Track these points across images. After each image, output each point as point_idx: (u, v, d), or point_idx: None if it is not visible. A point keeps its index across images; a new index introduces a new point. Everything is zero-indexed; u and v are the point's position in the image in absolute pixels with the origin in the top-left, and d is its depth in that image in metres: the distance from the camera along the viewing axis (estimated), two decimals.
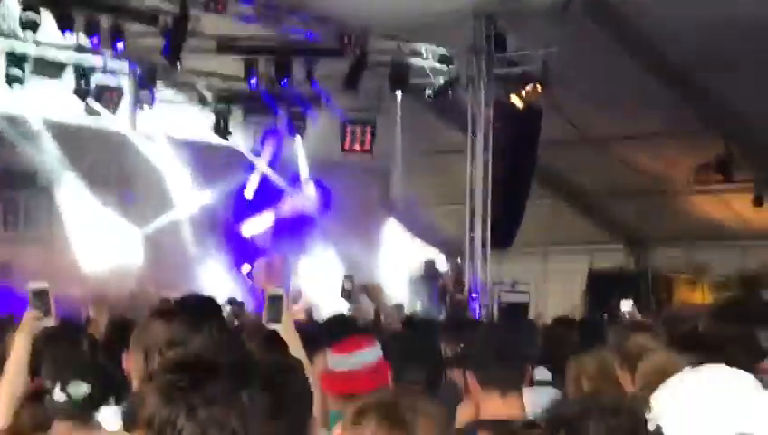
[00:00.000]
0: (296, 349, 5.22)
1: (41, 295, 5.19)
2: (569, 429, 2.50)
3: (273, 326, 5.40)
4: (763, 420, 2.60)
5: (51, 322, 5.21)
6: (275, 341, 5.31)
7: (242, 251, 21.32)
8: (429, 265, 21.76)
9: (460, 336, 6.28)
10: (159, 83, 20.25)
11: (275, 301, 5.34)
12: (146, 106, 19.92)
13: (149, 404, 2.41)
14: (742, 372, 2.80)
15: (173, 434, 2.38)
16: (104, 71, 19.43)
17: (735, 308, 6.81)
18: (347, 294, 8.83)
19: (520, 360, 4.36)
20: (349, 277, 8.93)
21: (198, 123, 21.35)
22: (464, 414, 4.46)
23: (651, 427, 2.50)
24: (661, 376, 3.22)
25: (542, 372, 6.11)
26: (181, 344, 2.48)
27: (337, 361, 5.11)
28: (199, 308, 5.75)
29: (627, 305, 9.80)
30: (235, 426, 2.41)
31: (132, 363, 4.35)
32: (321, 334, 6.91)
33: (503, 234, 20.00)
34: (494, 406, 4.19)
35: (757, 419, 2.61)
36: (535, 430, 2.56)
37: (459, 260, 21.01)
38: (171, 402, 2.40)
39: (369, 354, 5.08)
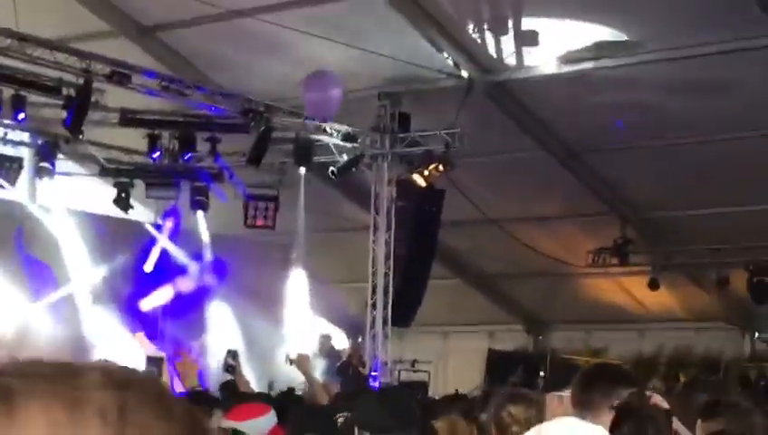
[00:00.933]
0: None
1: None
2: None
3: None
4: None
5: None
6: None
7: (138, 321, 21.02)
8: (326, 341, 21.64)
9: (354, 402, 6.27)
10: (61, 155, 20.03)
11: (152, 365, 5.24)
12: (46, 178, 19.64)
13: None
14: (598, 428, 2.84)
15: None
16: (4, 141, 19.17)
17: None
18: (231, 369, 8.80)
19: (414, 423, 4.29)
20: (232, 351, 8.90)
21: (99, 195, 21.10)
22: None
23: None
24: None
25: None
26: None
27: (230, 426, 5.08)
28: None
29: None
30: None
31: None
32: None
33: (404, 312, 20.06)
34: None
35: None
36: None
37: (360, 338, 20.99)
38: None
39: (264, 422, 5.07)
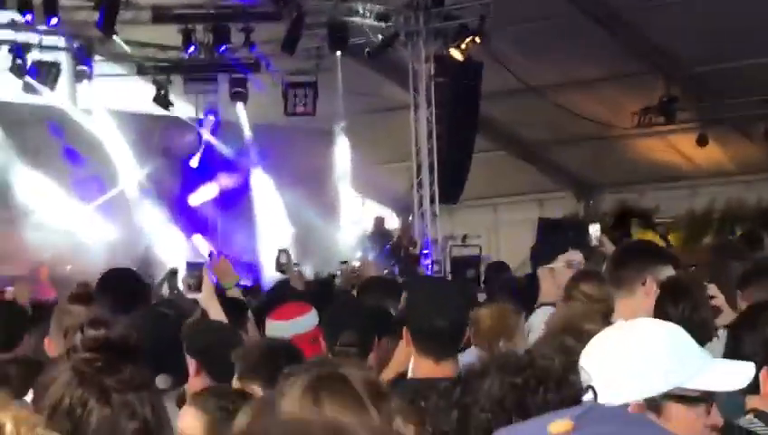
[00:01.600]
0: (216, 315, 5.16)
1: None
2: (465, 386, 2.45)
3: (192, 296, 5.33)
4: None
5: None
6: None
7: (191, 221, 21.20)
8: (379, 222, 21.75)
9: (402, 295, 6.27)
10: (97, 57, 20.05)
11: (195, 269, 5.23)
12: (85, 80, 19.70)
13: (60, 383, 2.30)
14: (669, 323, 2.79)
15: (82, 416, 2.27)
16: (40, 47, 19.18)
17: None
18: (281, 267, 8.83)
19: (455, 322, 4.21)
20: (284, 250, 8.92)
21: (139, 94, 21.17)
22: (386, 373, 4.37)
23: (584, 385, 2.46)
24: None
25: None
26: (102, 325, 2.35)
27: (276, 327, 5.11)
28: (125, 286, 5.70)
29: (595, 230, 8.84)
30: (146, 414, 2.32)
31: (53, 347, 4.30)
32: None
33: (451, 188, 20.05)
34: (427, 367, 4.09)
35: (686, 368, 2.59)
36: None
37: (410, 217, 21.06)
38: (84, 383, 2.30)
39: (306, 321, 5.09)
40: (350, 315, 4.84)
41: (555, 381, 2.47)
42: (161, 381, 3.93)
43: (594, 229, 8.54)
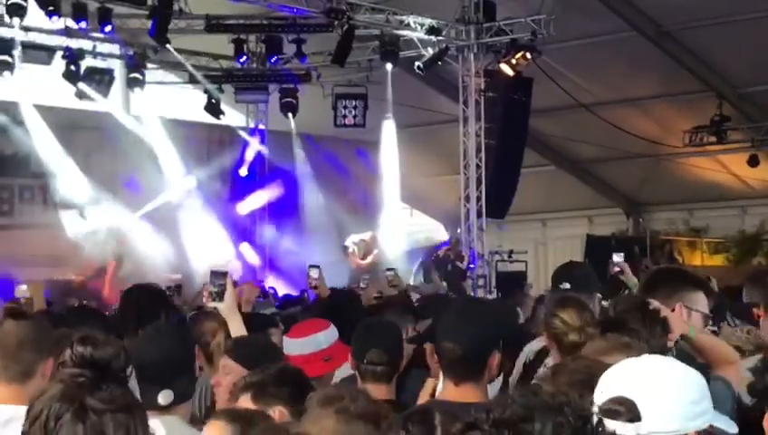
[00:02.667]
0: (237, 330, 5.12)
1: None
2: (515, 431, 2.39)
3: (213, 306, 5.24)
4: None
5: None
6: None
7: (238, 229, 21.32)
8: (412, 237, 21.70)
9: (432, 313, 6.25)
10: (150, 65, 20.23)
11: (218, 280, 5.12)
12: (137, 88, 19.86)
13: (46, 396, 2.32)
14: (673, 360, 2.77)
15: (53, 430, 2.28)
16: (94, 54, 19.38)
17: None
18: (313, 283, 8.80)
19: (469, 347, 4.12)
20: (315, 266, 8.90)
21: (190, 103, 21.34)
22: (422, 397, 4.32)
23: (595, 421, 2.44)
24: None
25: None
26: (90, 344, 2.34)
27: (291, 345, 5.11)
28: (145, 302, 5.74)
29: (618, 257, 8.82)
30: None
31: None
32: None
33: (498, 203, 20.01)
34: (450, 390, 4.04)
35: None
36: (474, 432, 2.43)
37: (458, 230, 21.03)
38: (64, 398, 2.31)
39: (324, 338, 5.07)
40: (378, 333, 4.81)
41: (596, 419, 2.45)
42: (163, 397, 3.94)
43: (618, 257, 8.55)
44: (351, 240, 19.31)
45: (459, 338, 4.04)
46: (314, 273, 8.71)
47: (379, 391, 4.32)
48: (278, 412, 3.51)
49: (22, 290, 12.69)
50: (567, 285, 5.89)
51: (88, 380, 2.32)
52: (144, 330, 4.77)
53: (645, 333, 3.94)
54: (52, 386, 2.34)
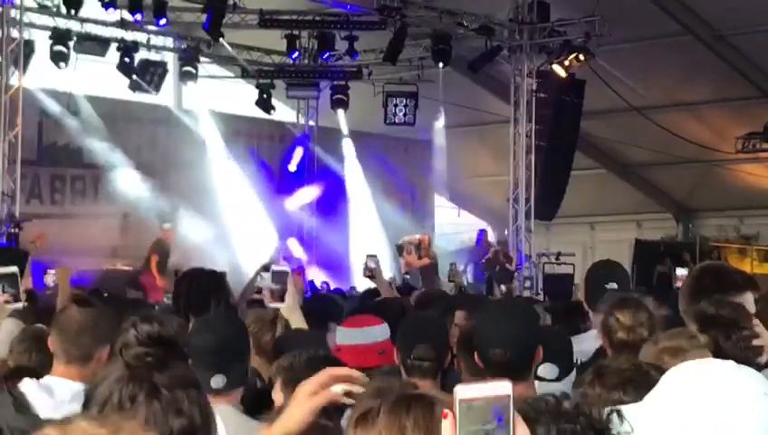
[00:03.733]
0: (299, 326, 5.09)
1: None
2: None
3: (275, 306, 5.24)
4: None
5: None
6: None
7: (286, 224, 21.37)
8: (483, 235, 21.54)
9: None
10: (203, 59, 20.33)
11: (280, 278, 5.11)
12: (189, 81, 19.95)
13: (111, 380, 2.31)
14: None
15: (129, 411, 2.26)
16: (148, 47, 19.53)
17: None
18: (370, 273, 8.67)
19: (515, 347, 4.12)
20: (372, 256, 8.80)
21: (242, 98, 21.45)
22: None
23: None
24: None
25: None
26: (156, 321, 2.32)
27: (347, 334, 5.11)
28: (203, 283, 5.75)
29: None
30: (193, 412, 2.32)
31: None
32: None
33: (547, 205, 19.94)
34: None
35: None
36: None
37: (506, 232, 20.97)
38: (134, 379, 2.30)
39: (380, 332, 5.07)
40: (425, 329, 4.81)
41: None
42: (216, 381, 3.97)
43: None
44: (407, 240, 19.27)
45: (507, 342, 4.07)
46: (372, 262, 8.59)
47: (424, 387, 4.32)
48: None
49: (50, 275, 12.97)
50: (614, 285, 5.84)
51: (156, 358, 2.31)
52: (198, 316, 4.79)
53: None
54: (114, 368, 2.33)
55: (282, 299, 5.02)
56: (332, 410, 2.45)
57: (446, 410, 1.81)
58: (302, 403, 2.41)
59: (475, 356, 4.19)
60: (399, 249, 18.79)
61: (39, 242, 15.97)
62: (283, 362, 3.64)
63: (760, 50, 19.76)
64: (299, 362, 3.59)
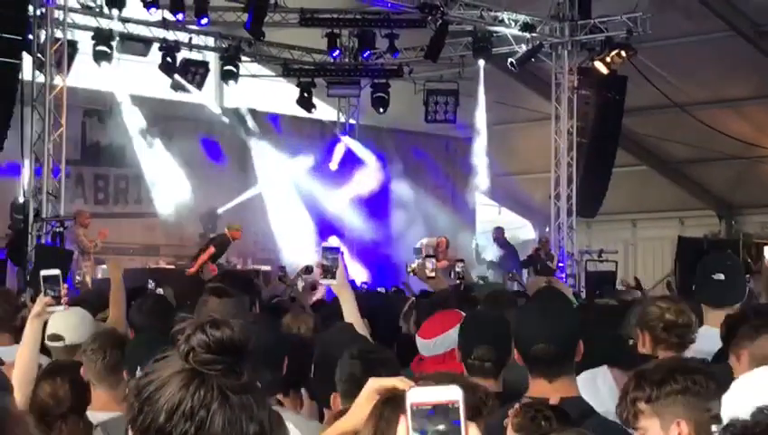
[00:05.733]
0: (349, 309, 4.95)
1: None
2: None
3: (326, 283, 5.10)
4: None
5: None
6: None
7: (327, 223, 21.38)
8: (499, 233, 21.47)
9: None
10: (244, 57, 20.40)
11: (331, 254, 4.99)
12: (231, 81, 20.02)
13: (175, 385, 2.24)
14: None
15: (205, 419, 2.23)
16: (190, 46, 19.62)
17: None
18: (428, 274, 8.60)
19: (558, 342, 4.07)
20: (431, 257, 8.77)
21: (283, 96, 21.52)
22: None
23: None
24: None
25: None
26: (225, 326, 2.30)
27: (424, 346, 5.00)
28: (237, 286, 5.76)
29: None
30: (262, 416, 2.28)
31: None
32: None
33: (589, 202, 19.87)
34: (542, 386, 4.03)
35: None
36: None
37: (547, 229, 20.92)
38: (204, 384, 2.25)
39: (455, 333, 4.87)
40: (486, 328, 4.71)
41: None
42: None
43: None
44: (425, 243, 19.28)
45: (550, 337, 4.02)
46: (430, 263, 8.58)
47: (487, 386, 4.27)
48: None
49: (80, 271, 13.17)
50: (721, 276, 5.52)
51: (227, 365, 2.29)
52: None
53: None
54: (174, 374, 2.30)
55: (332, 276, 4.92)
56: None
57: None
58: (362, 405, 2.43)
59: (515, 354, 4.16)
60: (417, 252, 18.80)
61: (99, 240, 16.23)
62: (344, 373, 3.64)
63: None
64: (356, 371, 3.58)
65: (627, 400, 3.19)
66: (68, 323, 5.39)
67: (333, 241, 20.71)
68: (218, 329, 2.28)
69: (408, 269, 12.45)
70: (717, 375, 3.24)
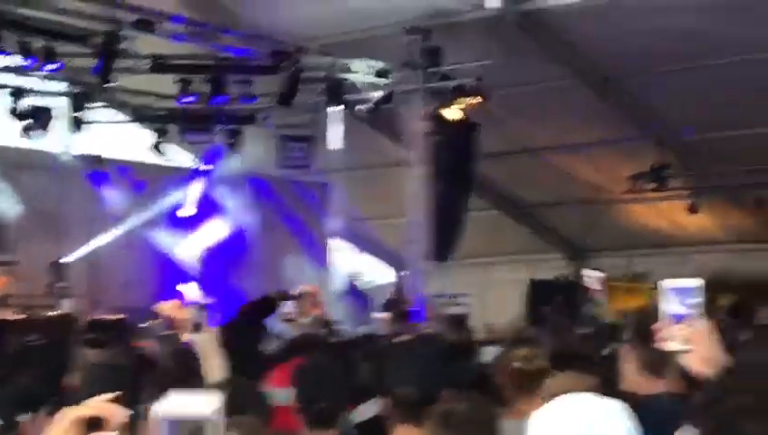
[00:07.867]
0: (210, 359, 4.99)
1: None
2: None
3: (192, 335, 5.09)
4: None
5: None
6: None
7: (178, 272, 21.16)
8: (352, 280, 21.65)
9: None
10: (96, 104, 20.14)
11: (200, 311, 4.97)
12: (82, 127, 19.74)
13: None
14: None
15: None
16: (38, 92, 19.29)
17: None
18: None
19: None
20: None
21: (136, 143, 21.31)
22: None
23: None
24: None
25: None
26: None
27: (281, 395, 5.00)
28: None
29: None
30: None
31: None
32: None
33: (443, 246, 20.09)
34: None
35: None
36: None
37: (402, 274, 21.09)
38: None
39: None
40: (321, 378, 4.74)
41: None
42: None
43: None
44: (302, 290, 19.30)
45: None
46: (286, 308, 8.58)
47: None
48: None
49: None
50: None
51: None
52: None
53: None
54: None
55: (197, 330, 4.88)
56: None
57: None
58: None
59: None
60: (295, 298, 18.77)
61: None
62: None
63: (645, 92, 20.21)
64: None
65: None
66: None
67: (192, 290, 20.59)
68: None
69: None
70: None
